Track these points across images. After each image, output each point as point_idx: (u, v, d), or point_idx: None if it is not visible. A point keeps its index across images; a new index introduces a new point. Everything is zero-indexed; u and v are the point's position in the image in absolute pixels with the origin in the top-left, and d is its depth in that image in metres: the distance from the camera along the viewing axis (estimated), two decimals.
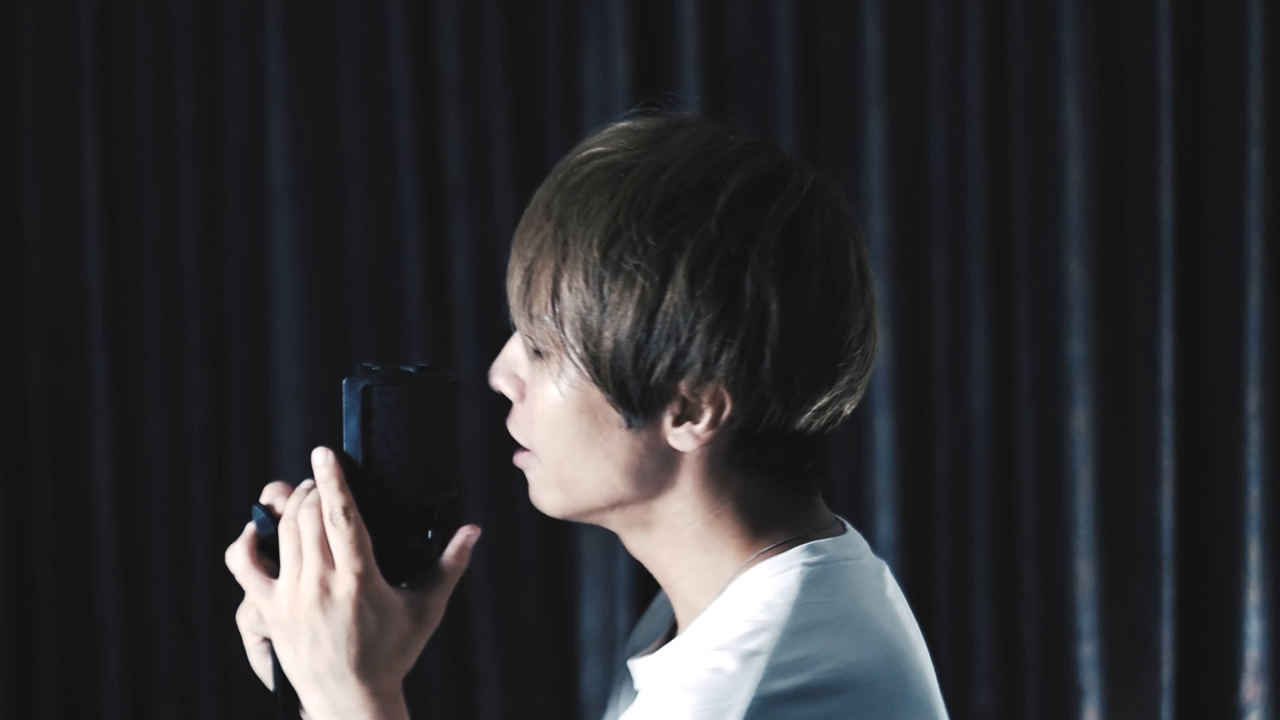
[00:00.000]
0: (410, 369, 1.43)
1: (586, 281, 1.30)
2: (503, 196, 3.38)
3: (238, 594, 3.64)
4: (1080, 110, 3.28)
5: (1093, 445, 3.30)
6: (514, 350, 1.39)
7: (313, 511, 1.40)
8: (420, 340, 3.37)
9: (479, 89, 3.38)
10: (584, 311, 1.31)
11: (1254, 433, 3.27)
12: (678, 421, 1.33)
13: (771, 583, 1.33)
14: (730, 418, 1.32)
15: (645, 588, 3.33)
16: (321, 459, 1.41)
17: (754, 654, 1.26)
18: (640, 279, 1.29)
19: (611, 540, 3.36)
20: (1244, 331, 3.27)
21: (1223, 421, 3.31)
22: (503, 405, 1.45)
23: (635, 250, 1.29)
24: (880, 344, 3.51)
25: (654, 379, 1.31)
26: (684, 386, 1.31)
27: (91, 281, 3.37)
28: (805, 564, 1.34)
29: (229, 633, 3.42)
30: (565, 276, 1.31)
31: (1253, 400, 3.27)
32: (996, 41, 3.31)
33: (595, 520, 1.40)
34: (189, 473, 3.42)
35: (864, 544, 1.41)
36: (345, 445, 1.42)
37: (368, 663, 1.39)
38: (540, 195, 1.35)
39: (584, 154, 1.35)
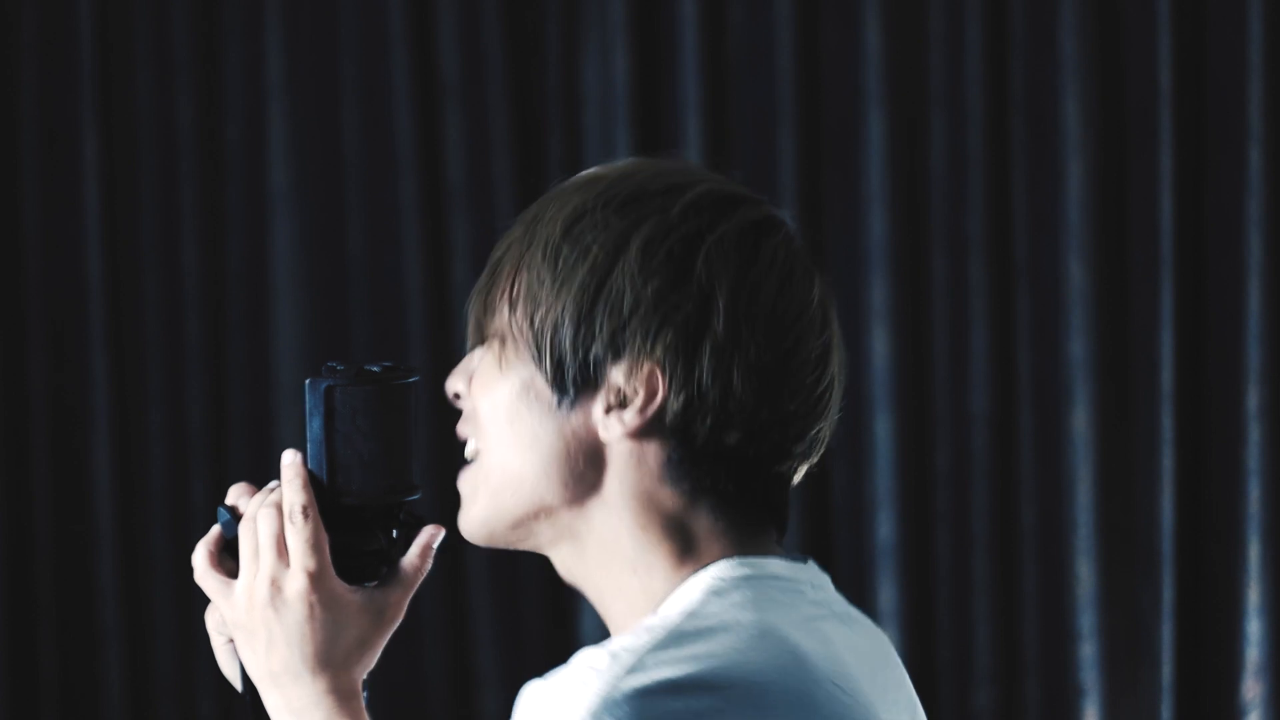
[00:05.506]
0: (374, 369, 1.44)
1: (544, 255, 1.31)
2: (503, 197, 3.38)
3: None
4: (1080, 110, 3.28)
5: (1093, 445, 3.30)
6: (472, 355, 1.39)
7: (272, 511, 1.42)
8: (420, 340, 3.38)
9: (479, 89, 3.38)
10: (536, 286, 1.31)
11: (1254, 433, 3.27)
12: (608, 410, 1.31)
13: (681, 595, 1.30)
14: (662, 408, 1.30)
15: None
16: (290, 459, 1.42)
17: (624, 650, 1.23)
18: (595, 249, 1.30)
19: None
20: (1244, 331, 3.27)
21: (1223, 421, 3.30)
22: None
23: (596, 227, 1.31)
24: (879, 343, 3.47)
25: (591, 354, 1.30)
26: (621, 372, 1.30)
27: (91, 281, 3.37)
28: (718, 577, 1.30)
29: None
30: (525, 259, 1.33)
31: (1253, 400, 3.27)
32: (996, 41, 3.31)
33: (523, 538, 1.38)
34: (189, 473, 3.42)
35: (821, 579, 1.35)
36: (309, 445, 1.43)
37: (322, 661, 1.40)
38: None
39: (577, 175, 1.38)
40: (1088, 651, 3.32)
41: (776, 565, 1.32)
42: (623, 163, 1.37)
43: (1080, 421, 3.30)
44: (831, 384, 1.33)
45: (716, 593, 1.28)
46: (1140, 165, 3.30)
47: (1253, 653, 3.29)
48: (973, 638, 3.36)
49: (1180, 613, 3.31)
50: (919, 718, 1.39)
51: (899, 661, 1.39)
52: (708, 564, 1.31)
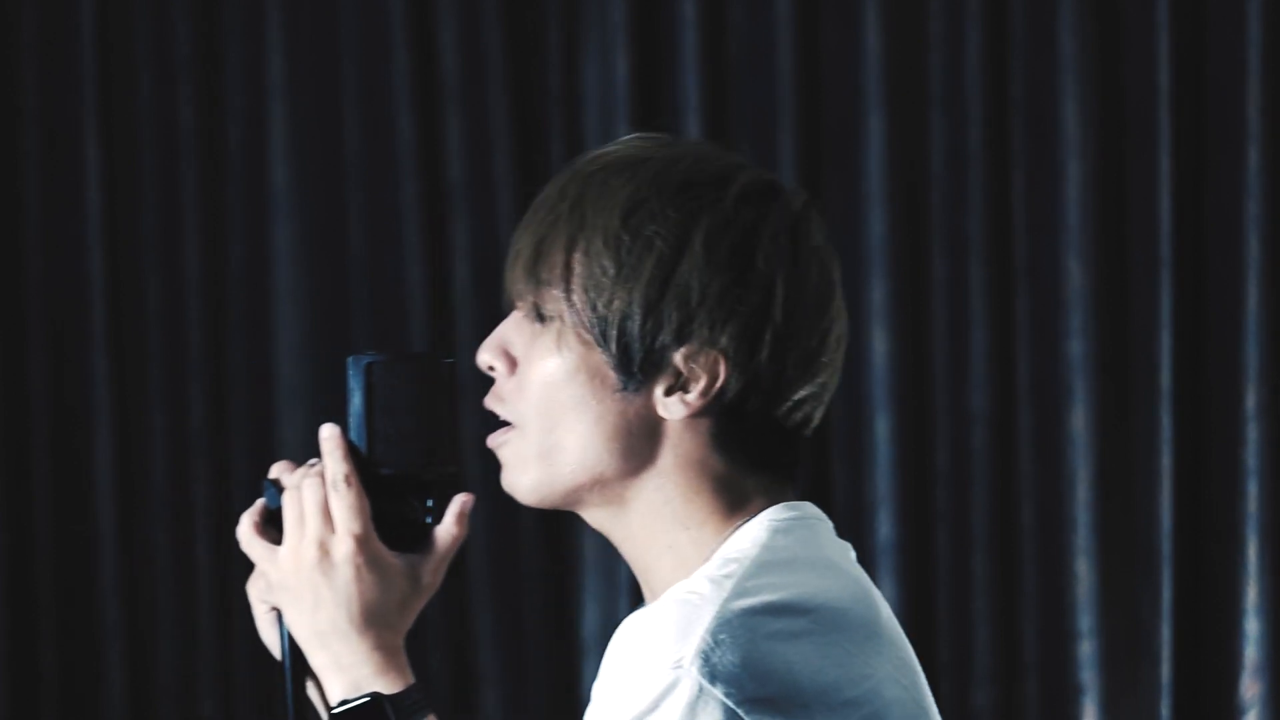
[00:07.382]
0: (412, 353, 1.51)
1: (605, 245, 1.38)
2: (503, 197, 3.38)
3: (239, 592, 3.65)
4: (1080, 110, 3.28)
5: (1093, 445, 3.31)
6: (507, 329, 1.45)
7: (316, 480, 1.47)
8: (421, 340, 3.38)
9: (479, 90, 3.39)
10: (598, 274, 1.38)
11: (1253, 433, 3.28)
12: (669, 392, 1.39)
13: (744, 536, 1.39)
14: (722, 389, 1.38)
15: None
16: (329, 432, 1.48)
17: (725, 578, 1.33)
18: (659, 243, 1.37)
19: None
20: (1243, 331, 3.28)
21: (1222, 421, 3.31)
22: None
23: (655, 219, 1.37)
24: (879, 343, 3.48)
25: (658, 342, 1.38)
26: (682, 356, 1.38)
27: (92, 282, 3.38)
28: (774, 519, 1.40)
29: (231, 632, 3.43)
30: (581, 244, 1.38)
31: (1251, 400, 3.27)
32: (996, 41, 3.32)
33: (571, 503, 1.44)
34: (190, 473, 3.42)
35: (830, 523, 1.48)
36: (350, 420, 1.49)
37: (368, 620, 1.46)
38: (550, 187, 1.43)
39: (593, 155, 1.43)
40: (1087, 651, 3.32)
41: (811, 508, 1.44)
42: (635, 142, 1.43)
43: (1080, 421, 3.31)
44: (843, 345, 1.45)
45: (780, 531, 1.39)
46: (1140, 166, 3.30)
47: (1251, 652, 3.29)
48: (973, 637, 3.36)
49: (1179, 612, 3.31)
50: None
51: None
52: (752, 514, 1.41)
